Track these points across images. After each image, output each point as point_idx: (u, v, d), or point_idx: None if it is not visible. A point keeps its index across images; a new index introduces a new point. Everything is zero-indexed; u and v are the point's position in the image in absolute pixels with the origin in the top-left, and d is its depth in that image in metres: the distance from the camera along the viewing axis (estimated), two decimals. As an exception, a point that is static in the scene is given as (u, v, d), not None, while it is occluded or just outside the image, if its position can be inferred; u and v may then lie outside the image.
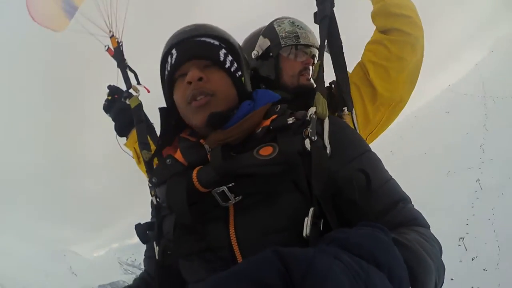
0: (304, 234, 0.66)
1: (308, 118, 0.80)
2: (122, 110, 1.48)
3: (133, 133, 1.46)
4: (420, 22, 1.23)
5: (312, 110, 0.81)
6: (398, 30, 1.19)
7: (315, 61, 1.22)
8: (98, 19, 1.47)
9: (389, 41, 1.20)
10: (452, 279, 9.22)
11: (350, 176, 0.71)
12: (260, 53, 1.27)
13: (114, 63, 1.48)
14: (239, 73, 0.92)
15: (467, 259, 10.71)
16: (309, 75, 1.27)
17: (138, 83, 1.43)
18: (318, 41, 1.25)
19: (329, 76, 1.10)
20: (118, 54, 1.47)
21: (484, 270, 9.57)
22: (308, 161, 0.73)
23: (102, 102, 1.61)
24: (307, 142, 0.75)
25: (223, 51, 0.89)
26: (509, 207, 11.58)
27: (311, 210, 0.68)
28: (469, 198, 14.14)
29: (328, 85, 1.17)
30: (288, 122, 0.80)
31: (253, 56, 1.28)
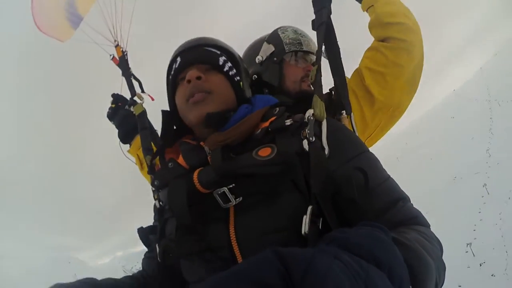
0: (302, 232, 0.67)
1: (306, 119, 0.82)
2: (126, 117, 1.52)
3: (136, 140, 1.50)
4: (415, 27, 1.25)
5: (310, 112, 0.83)
6: (394, 38, 1.22)
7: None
8: (103, 28, 1.51)
9: (385, 48, 1.22)
10: (460, 286, 9.01)
11: (348, 174, 0.72)
12: (264, 58, 1.32)
13: (119, 71, 1.52)
14: (238, 78, 0.96)
15: (474, 265, 10.47)
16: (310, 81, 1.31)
17: (143, 91, 1.47)
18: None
19: (329, 83, 1.13)
20: (123, 63, 1.52)
21: (492, 275, 9.34)
22: (306, 162, 0.75)
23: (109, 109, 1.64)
24: (305, 143, 0.76)
25: (223, 58, 0.95)
26: (517, 212, 11.35)
27: (309, 208, 0.69)
28: (476, 203, 13.87)
29: (328, 91, 1.20)
30: (286, 123, 0.82)
31: (257, 61, 1.33)
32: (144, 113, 1.37)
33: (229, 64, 0.96)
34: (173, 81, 0.96)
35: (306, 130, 0.78)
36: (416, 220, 0.75)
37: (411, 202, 0.81)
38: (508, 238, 10.24)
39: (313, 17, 1.07)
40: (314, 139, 0.77)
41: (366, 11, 1.31)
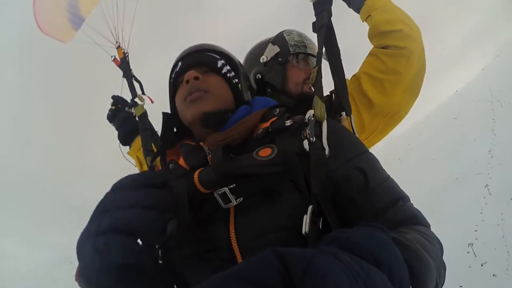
0: (303, 232, 0.67)
1: (306, 120, 0.82)
2: (126, 119, 1.52)
3: (136, 142, 1.51)
4: (414, 33, 1.24)
5: (310, 112, 0.83)
6: (392, 45, 1.22)
7: None
8: (105, 30, 1.52)
9: (384, 54, 1.22)
10: (461, 286, 9.02)
11: (348, 174, 0.73)
12: (268, 58, 1.33)
13: (120, 72, 1.52)
14: (236, 80, 0.97)
15: (476, 265, 10.47)
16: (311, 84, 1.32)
17: (143, 93, 1.48)
18: None
19: (330, 85, 1.13)
20: (124, 64, 1.52)
21: (493, 275, 9.34)
22: (306, 162, 0.75)
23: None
24: (305, 143, 0.76)
25: (222, 61, 0.97)
26: (519, 212, 11.34)
27: (310, 207, 0.68)
28: (478, 204, 13.86)
29: (329, 93, 1.20)
30: (286, 124, 0.83)
31: (261, 61, 1.34)
32: (145, 114, 1.38)
33: (228, 67, 0.98)
34: (174, 84, 0.98)
35: (307, 130, 0.78)
36: (416, 220, 0.75)
37: (412, 202, 0.81)
38: (509, 238, 10.23)
39: (313, 19, 1.08)
40: (314, 139, 0.77)
41: (365, 21, 1.32)
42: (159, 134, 1.26)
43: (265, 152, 0.77)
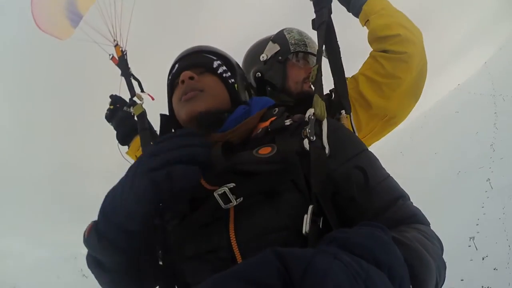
0: (303, 231, 0.66)
1: (306, 119, 0.82)
2: (124, 119, 1.52)
3: (135, 142, 1.50)
4: (414, 37, 1.21)
5: (310, 111, 0.82)
6: (390, 50, 1.20)
7: None
8: (103, 28, 1.51)
9: (383, 58, 1.21)
10: (462, 280, 9.07)
11: (348, 173, 0.72)
12: (268, 57, 1.32)
13: (118, 70, 1.51)
14: (232, 80, 0.96)
15: (477, 258, 10.52)
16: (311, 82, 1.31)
17: (142, 91, 1.47)
18: None
19: (329, 83, 1.12)
20: (122, 62, 1.51)
21: (494, 269, 9.39)
22: (306, 161, 0.75)
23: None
24: (305, 142, 0.76)
25: (218, 62, 0.97)
26: (521, 206, 11.35)
27: (310, 207, 0.68)
28: (480, 198, 13.87)
29: (328, 92, 1.20)
30: (286, 123, 0.83)
31: (261, 59, 1.33)
32: (144, 113, 1.36)
33: (224, 67, 0.97)
34: (171, 85, 0.98)
35: (307, 129, 0.78)
36: (416, 218, 0.75)
37: (414, 195, 0.81)
38: (511, 232, 10.25)
39: (311, 17, 1.06)
40: (314, 138, 0.77)
41: (365, 25, 1.30)
42: (157, 133, 1.26)
43: (265, 151, 0.77)
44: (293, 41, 1.32)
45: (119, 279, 0.81)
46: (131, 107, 1.42)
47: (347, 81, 1.18)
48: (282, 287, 0.43)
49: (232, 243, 0.72)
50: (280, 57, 1.30)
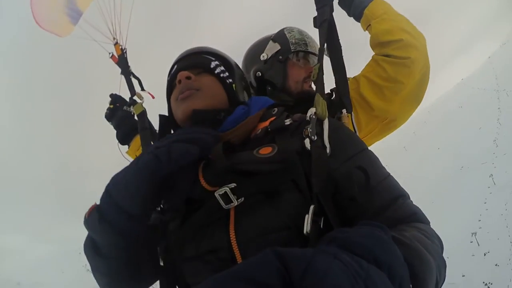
0: (304, 232, 0.67)
1: (308, 118, 0.82)
2: (124, 118, 1.52)
3: (135, 141, 1.51)
4: (416, 41, 1.20)
5: (312, 110, 0.83)
6: (393, 55, 1.19)
7: None
8: (103, 26, 1.50)
9: (385, 62, 1.20)
10: (464, 275, 9.08)
11: (349, 172, 0.72)
12: (269, 56, 1.32)
13: (118, 70, 1.51)
14: (230, 80, 0.97)
15: (479, 254, 10.52)
16: (311, 82, 1.31)
17: (142, 89, 1.46)
18: None
19: (330, 83, 1.12)
20: (122, 61, 1.51)
21: (496, 265, 9.39)
22: (307, 161, 0.75)
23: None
24: (307, 142, 0.76)
25: (216, 62, 0.97)
26: (523, 203, 11.30)
27: (311, 207, 0.68)
28: (482, 193, 13.82)
29: (329, 91, 1.19)
30: (286, 123, 0.83)
31: (261, 58, 1.33)
32: (144, 113, 1.36)
33: (222, 68, 0.98)
34: (169, 86, 0.99)
35: (308, 129, 0.78)
36: (416, 217, 0.75)
37: (415, 194, 0.81)
38: (513, 228, 10.22)
39: (310, 15, 1.06)
40: (315, 137, 0.77)
41: (366, 30, 1.28)
42: (158, 134, 1.26)
43: (265, 151, 0.77)
44: (293, 41, 1.31)
45: (116, 268, 0.81)
46: (131, 106, 1.42)
47: (348, 81, 1.18)
48: (282, 287, 0.43)
49: (232, 243, 0.72)
50: (280, 57, 1.30)
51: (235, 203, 0.73)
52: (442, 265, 0.68)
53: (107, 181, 0.79)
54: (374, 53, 1.25)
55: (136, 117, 1.39)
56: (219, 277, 0.46)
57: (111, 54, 1.55)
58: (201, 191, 0.77)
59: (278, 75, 1.30)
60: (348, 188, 0.71)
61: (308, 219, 0.67)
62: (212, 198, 0.75)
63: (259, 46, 1.36)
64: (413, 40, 1.19)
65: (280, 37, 1.33)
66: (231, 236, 0.72)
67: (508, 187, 12.84)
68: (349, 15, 1.31)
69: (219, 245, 0.73)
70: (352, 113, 1.12)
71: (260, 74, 1.31)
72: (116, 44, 1.53)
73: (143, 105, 1.40)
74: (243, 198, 0.73)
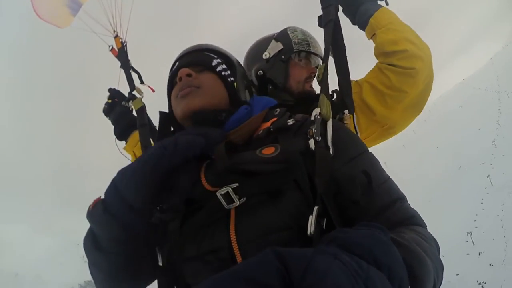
0: (308, 232, 0.67)
1: (312, 118, 0.82)
2: (122, 114, 1.51)
3: (132, 137, 1.50)
4: (421, 52, 1.20)
5: (317, 110, 0.84)
6: (397, 65, 1.19)
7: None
8: (103, 19, 1.48)
9: (390, 71, 1.20)
10: (457, 274, 9.15)
11: (352, 175, 0.73)
12: (271, 55, 1.33)
13: (118, 63, 1.49)
14: (231, 78, 0.96)
15: (474, 253, 10.61)
16: (312, 82, 1.33)
17: (142, 83, 1.45)
18: (322, 49, 1.25)
19: (331, 84, 1.11)
20: (122, 54, 1.49)
21: (490, 265, 9.48)
22: (310, 161, 0.75)
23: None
24: (311, 142, 0.77)
25: (218, 60, 0.97)
26: (519, 204, 11.36)
27: (315, 208, 0.68)
28: (479, 193, 13.89)
29: (330, 93, 1.19)
30: (289, 123, 0.83)
31: (263, 57, 1.34)
32: (143, 108, 1.35)
33: (223, 66, 0.97)
34: (170, 83, 0.98)
35: (313, 129, 0.78)
36: (413, 220, 0.76)
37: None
38: (508, 229, 10.30)
39: (308, 14, 1.05)
40: (320, 138, 0.77)
41: (371, 38, 1.29)
42: (156, 128, 1.25)
43: (268, 151, 0.77)
44: (296, 40, 1.33)
45: (115, 264, 0.80)
46: (130, 101, 1.41)
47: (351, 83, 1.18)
48: (282, 287, 0.43)
49: (233, 244, 0.72)
50: (283, 56, 1.31)
51: (237, 203, 0.73)
52: (439, 268, 0.69)
53: (106, 178, 0.79)
54: (378, 61, 1.25)
55: (134, 113, 1.38)
56: (219, 277, 0.46)
57: (111, 47, 1.53)
58: (201, 191, 0.77)
59: (280, 75, 1.31)
60: (351, 191, 0.71)
61: (312, 219, 0.68)
62: (214, 198, 0.74)
63: (261, 44, 1.37)
64: (418, 51, 1.19)
65: (283, 36, 1.34)
66: (231, 236, 0.72)
67: (505, 188, 12.90)
68: (353, 23, 1.32)
69: (220, 245, 0.73)
70: (354, 114, 1.12)
71: (261, 73, 1.32)
72: (116, 37, 1.51)
73: (142, 100, 1.38)
74: (245, 198, 0.73)
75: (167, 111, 1.02)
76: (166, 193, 0.77)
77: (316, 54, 1.34)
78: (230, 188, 0.73)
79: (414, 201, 0.81)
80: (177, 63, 0.98)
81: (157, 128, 1.38)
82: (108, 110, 1.54)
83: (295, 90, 1.31)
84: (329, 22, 1.04)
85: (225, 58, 1.01)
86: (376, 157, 0.86)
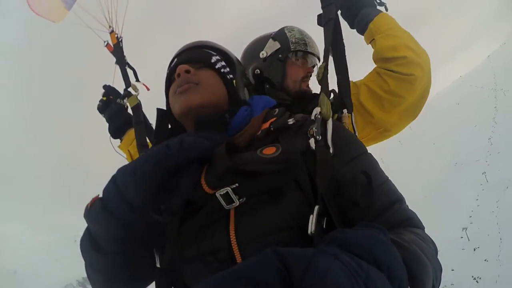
0: (309, 232, 0.66)
1: (313, 117, 0.82)
2: (117, 111, 1.48)
3: (127, 135, 1.47)
4: (420, 59, 1.19)
5: (317, 110, 0.83)
6: (396, 71, 1.18)
7: (315, 71, 1.27)
8: (98, 13, 1.46)
9: (388, 76, 1.20)
10: (452, 270, 9.30)
11: (353, 176, 0.72)
12: (268, 54, 1.32)
13: (113, 59, 1.46)
14: (231, 76, 0.95)
15: (469, 249, 10.79)
16: (308, 82, 1.32)
17: (137, 80, 1.43)
18: (319, 50, 1.30)
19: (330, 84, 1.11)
20: (117, 50, 1.46)
21: (485, 260, 9.64)
22: (311, 160, 0.74)
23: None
24: (312, 142, 0.76)
25: (217, 57, 0.96)
26: (514, 201, 11.52)
27: (316, 208, 0.68)
28: (475, 190, 14.07)
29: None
30: (289, 123, 0.82)
31: (261, 56, 1.32)
32: (139, 105, 1.33)
33: (222, 63, 0.96)
34: (168, 80, 0.97)
35: (314, 128, 0.78)
36: (412, 222, 0.76)
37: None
38: (503, 225, 10.46)
39: (309, 15, 1.04)
40: (320, 137, 0.77)
41: (370, 44, 1.27)
42: (152, 126, 1.23)
43: (269, 151, 0.76)
44: (293, 40, 1.32)
45: (113, 265, 0.79)
46: (126, 99, 1.38)
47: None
48: (282, 287, 0.43)
49: (232, 244, 0.71)
50: (280, 55, 1.30)
51: (237, 203, 0.72)
52: (438, 269, 0.69)
53: (105, 176, 0.78)
54: (376, 66, 1.24)
55: (130, 111, 1.36)
56: (218, 277, 0.45)
57: (106, 43, 1.50)
58: (201, 193, 0.75)
59: (277, 74, 1.30)
60: (352, 192, 0.71)
61: (312, 219, 0.67)
62: (214, 200, 0.74)
63: (259, 43, 1.36)
64: (417, 58, 1.18)
65: (280, 35, 1.33)
66: (231, 236, 0.71)
67: (500, 185, 13.07)
68: (352, 27, 1.31)
69: (219, 246, 0.72)
70: (353, 113, 1.12)
71: (258, 72, 1.32)
72: (112, 32, 1.49)
73: (139, 98, 1.36)
74: (244, 198, 0.73)
75: (164, 108, 1.01)
76: (167, 193, 0.76)
77: (313, 54, 1.34)
78: (229, 189, 0.72)
79: (410, 197, 0.80)
80: (175, 60, 0.98)
81: (153, 126, 1.36)
82: (103, 108, 1.51)
83: (292, 90, 1.31)
84: (329, 21, 1.03)
85: (225, 55, 1.00)
86: (373, 155, 0.86)
